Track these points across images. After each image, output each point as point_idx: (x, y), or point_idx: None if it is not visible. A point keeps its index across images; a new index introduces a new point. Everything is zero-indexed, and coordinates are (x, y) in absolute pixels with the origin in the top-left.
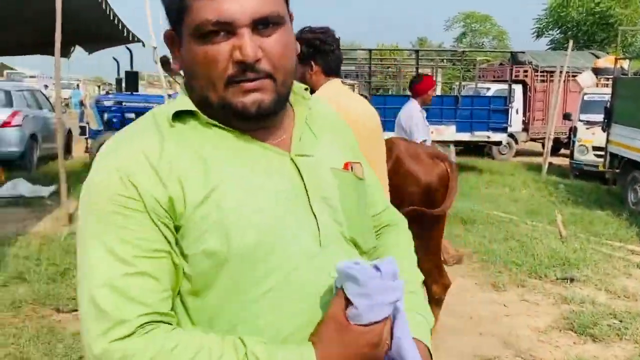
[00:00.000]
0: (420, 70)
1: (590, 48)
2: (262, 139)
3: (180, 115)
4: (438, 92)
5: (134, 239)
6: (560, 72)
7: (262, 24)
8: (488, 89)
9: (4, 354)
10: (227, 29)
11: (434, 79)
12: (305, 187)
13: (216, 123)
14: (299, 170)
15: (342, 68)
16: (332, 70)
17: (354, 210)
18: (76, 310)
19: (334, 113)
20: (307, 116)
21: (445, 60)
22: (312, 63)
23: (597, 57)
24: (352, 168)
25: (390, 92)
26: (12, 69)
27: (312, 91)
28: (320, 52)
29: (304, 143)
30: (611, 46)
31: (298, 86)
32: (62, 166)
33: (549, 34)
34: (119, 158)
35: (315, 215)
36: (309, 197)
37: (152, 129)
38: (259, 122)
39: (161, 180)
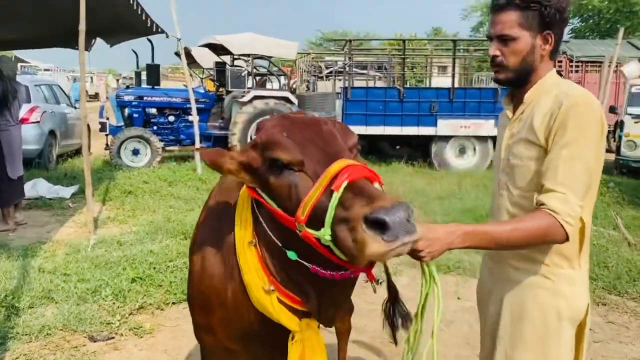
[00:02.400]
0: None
1: (613, 37)
2: None
3: None
4: (456, 84)
5: None
6: (610, 63)
7: None
8: None
9: None
10: None
11: (453, 71)
12: None
13: None
14: None
15: (360, 60)
16: (557, 54)
17: None
18: (112, 338)
19: None
20: None
21: (462, 51)
22: (551, 35)
23: (638, 47)
24: None
25: (417, 85)
26: (25, 62)
27: (529, 72)
28: (560, 22)
29: None
30: (635, 34)
31: None
32: (88, 168)
33: (569, 23)
34: None
35: None
36: None
37: None
38: None
39: None
